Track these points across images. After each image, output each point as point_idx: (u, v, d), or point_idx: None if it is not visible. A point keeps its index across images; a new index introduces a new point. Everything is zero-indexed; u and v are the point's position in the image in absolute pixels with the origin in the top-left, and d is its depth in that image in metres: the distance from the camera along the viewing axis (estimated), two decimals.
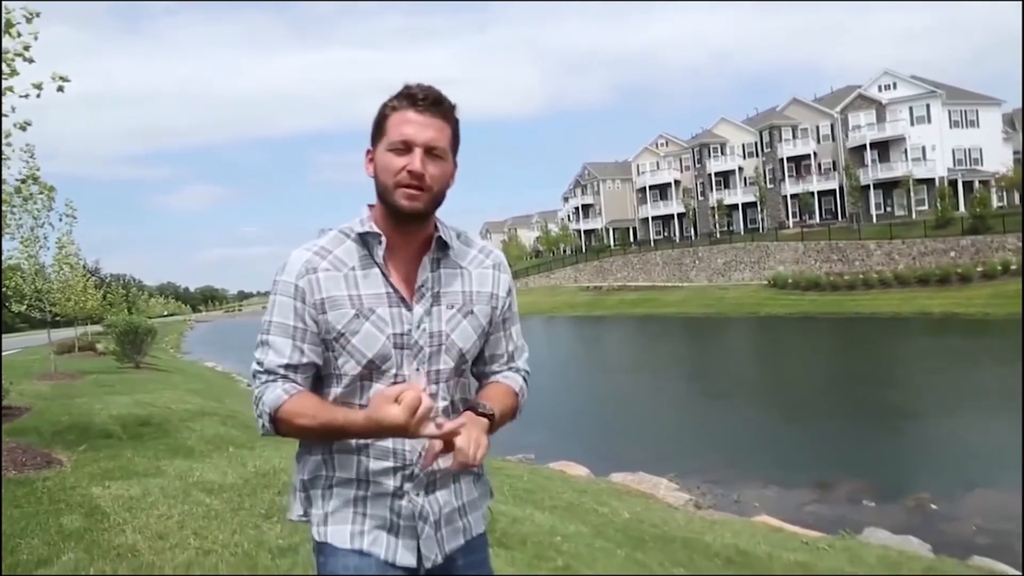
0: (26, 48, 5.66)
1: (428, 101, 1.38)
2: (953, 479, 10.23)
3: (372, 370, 1.40)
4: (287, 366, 1.39)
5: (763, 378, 22.31)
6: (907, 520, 8.71)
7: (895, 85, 51.96)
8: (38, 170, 6.67)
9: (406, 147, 1.36)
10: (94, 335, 27.63)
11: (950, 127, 50.99)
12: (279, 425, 1.38)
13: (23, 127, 5.80)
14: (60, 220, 13.98)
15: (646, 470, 10.44)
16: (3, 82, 5.63)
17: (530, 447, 11.85)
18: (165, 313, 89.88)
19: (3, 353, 22.94)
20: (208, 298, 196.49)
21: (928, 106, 50.59)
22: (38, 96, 5.85)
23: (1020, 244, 36.23)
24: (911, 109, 50.84)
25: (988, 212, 40.71)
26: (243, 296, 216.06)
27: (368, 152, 1.44)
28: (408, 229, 1.43)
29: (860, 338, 29.91)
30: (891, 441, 12.75)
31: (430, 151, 1.37)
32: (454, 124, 1.43)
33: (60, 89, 5.88)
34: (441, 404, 1.44)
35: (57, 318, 20.06)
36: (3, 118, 5.75)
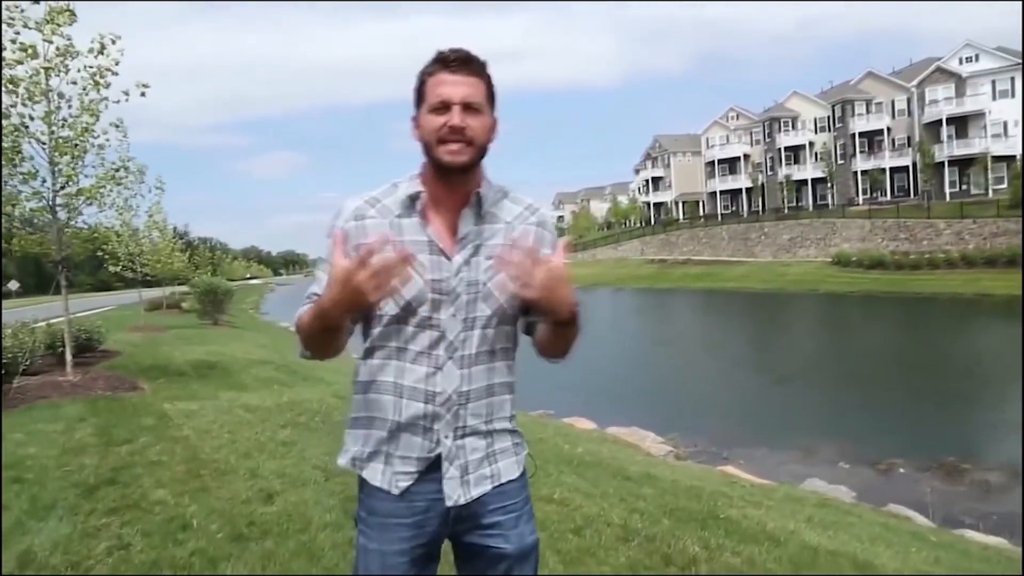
0: (116, 63, 7.24)
1: (459, 62, 1.47)
2: (936, 448, 10.97)
3: (408, 312, 1.48)
4: (320, 295, 1.45)
5: (803, 352, 22.77)
6: (871, 480, 9.68)
7: (977, 57, 50.06)
8: (129, 159, 8.37)
9: (444, 106, 1.46)
10: (180, 294, 30.16)
11: None
12: (299, 330, 1.48)
13: (117, 125, 7.42)
14: (150, 192, 16.03)
15: (651, 428, 11.53)
16: (98, 94, 7.23)
17: (554, 405, 13.05)
18: (247, 276, 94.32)
19: (101, 309, 25.57)
20: (289, 262, 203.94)
21: (1012, 79, 48.59)
22: (127, 100, 7.47)
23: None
24: (994, 83, 48.97)
25: None
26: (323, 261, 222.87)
27: (413, 119, 1.53)
28: (452, 182, 1.50)
29: (913, 318, 29.88)
30: (897, 413, 13.47)
31: (467, 107, 1.46)
32: (487, 80, 1.51)
33: (143, 95, 7.49)
34: (477, 349, 1.51)
35: (148, 278, 22.36)
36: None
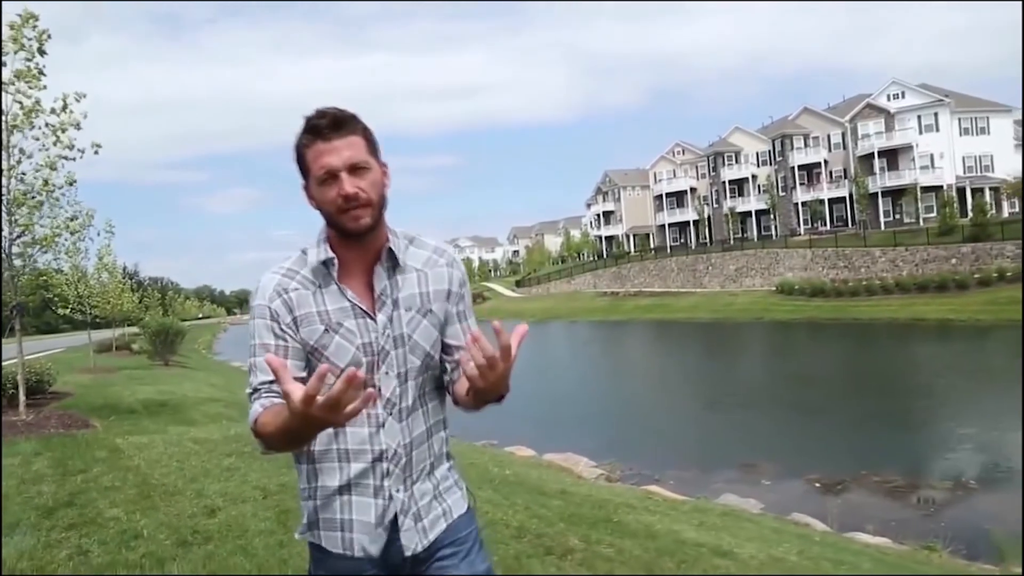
0: (75, 124, 7.72)
1: (331, 126, 1.45)
2: (864, 465, 11.70)
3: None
4: (270, 382, 1.44)
5: (747, 379, 23.57)
6: (788, 494, 10.39)
7: (903, 94, 52.96)
8: (78, 203, 8.86)
9: (331, 176, 1.44)
10: (130, 335, 29.99)
11: (960, 135, 51.85)
12: (262, 439, 1.43)
13: (71, 183, 7.90)
14: (99, 235, 16.30)
15: (594, 454, 12.10)
16: (54, 148, 7.70)
17: (498, 435, 13.52)
18: (199, 316, 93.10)
19: (49, 352, 25.39)
20: (243, 301, 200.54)
21: (936, 115, 51.53)
22: (81, 157, 7.96)
23: (1020, 251, 37.18)
24: (919, 118, 51.83)
25: (988, 220, 41.55)
26: None
27: (304, 188, 1.52)
28: (361, 244, 1.50)
29: (853, 343, 31.16)
30: (831, 434, 14.24)
31: (353, 169, 1.44)
32: (364, 132, 1.49)
33: (96, 152, 7.99)
34: (412, 400, 1.53)
35: (97, 320, 22.34)
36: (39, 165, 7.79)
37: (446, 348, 1.62)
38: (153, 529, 3.88)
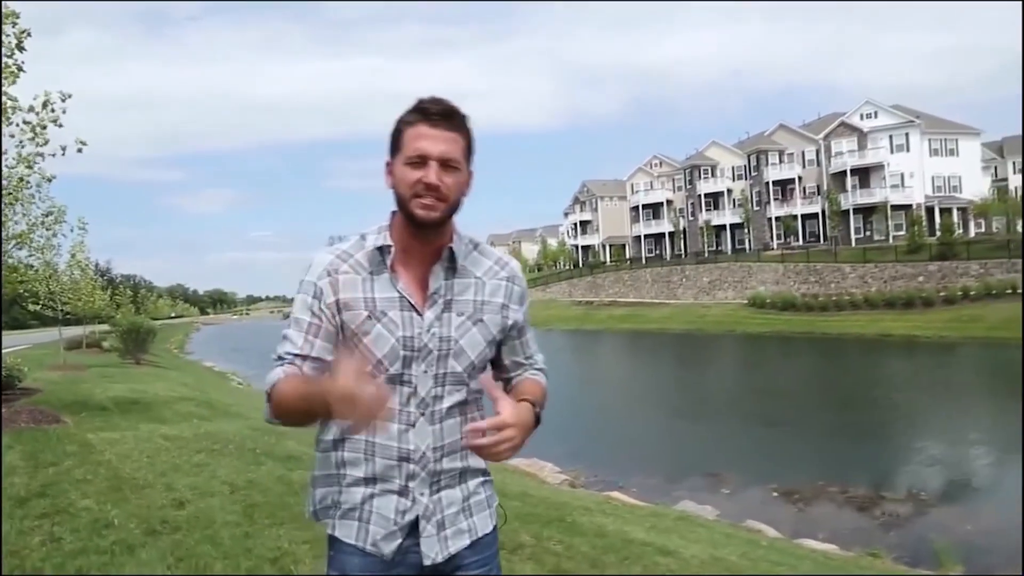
0: (54, 120, 7.80)
1: (440, 115, 1.44)
2: (809, 474, 12.05)
3: (380, 371, 1.45)
4: (296, 355, 1.46)
5: (717, 390, 23.93)
6: (751, 504, 10.67)
7: (876, 114, 54.08)
8: (51, 199, 8.95)
9: (421, 160, 1.42)
10: (101, 333, 29.77)
11: (930, 155, 53.00)
12: (275, 403, 1.43)
13: (49, 179, 7.99)
14: (72, 231, 16.25)
15: (560, 461, 12.32)
16: (35, 147, 7.78)
17: None
18: (172, 315, 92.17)
19: (16, 348, 25.12)
20: (217, 301, 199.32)
21: (907, 135, 52.65)
22: (63, 154, 8.04)
23: (983, 271, 38.17)
24: (891, 137, 52.94)
25: (954, 239, 42.54)
26: (252, 300, 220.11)
27: (387, 164, 1.50)
28: (425, 237, 1.49)
29: (821, 357, 31.75)
30: (795, 445, 14.60)
31: (445, 163, 1.43)
32: (467, 134, 1.49)
33: (79, 151, 8.07)
34: (448, 404, 1.50)
35: (68, 316, 22.21)
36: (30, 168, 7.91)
37: (497, 363, 1.63)
38: (123, 519, 4.05)
